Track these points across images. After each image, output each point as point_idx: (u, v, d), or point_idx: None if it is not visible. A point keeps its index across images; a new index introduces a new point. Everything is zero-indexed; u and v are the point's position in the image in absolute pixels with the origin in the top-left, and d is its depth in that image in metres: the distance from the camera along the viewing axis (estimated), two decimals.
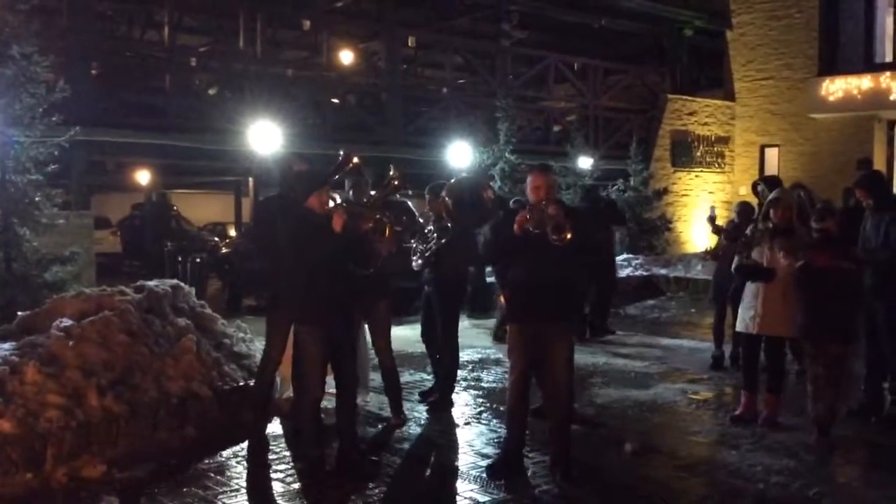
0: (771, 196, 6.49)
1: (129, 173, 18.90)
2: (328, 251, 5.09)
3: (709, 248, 9.31)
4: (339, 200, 6.16)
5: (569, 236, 4.84)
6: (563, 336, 5.16)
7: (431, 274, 6.78)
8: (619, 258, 14.79)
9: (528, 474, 5.26)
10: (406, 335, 8.91)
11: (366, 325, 6.59)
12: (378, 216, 5.30)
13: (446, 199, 6.52)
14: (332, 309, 5.18)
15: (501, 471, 5.20)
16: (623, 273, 13.88)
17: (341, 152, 6.13)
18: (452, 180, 7.04)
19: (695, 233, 18.64)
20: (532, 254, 5.01)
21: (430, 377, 7.62)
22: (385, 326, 6.45)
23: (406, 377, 7.69)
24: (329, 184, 5.35)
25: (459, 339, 6.98)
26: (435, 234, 6.67)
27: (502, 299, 6.29)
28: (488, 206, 6.67)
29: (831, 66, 17.80)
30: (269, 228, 5.88)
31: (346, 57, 18.65)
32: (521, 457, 5.34)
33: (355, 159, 5.89)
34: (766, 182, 8.21)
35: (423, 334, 7.12)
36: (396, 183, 5.78)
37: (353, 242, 5.21)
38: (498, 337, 9.78)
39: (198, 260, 13.95)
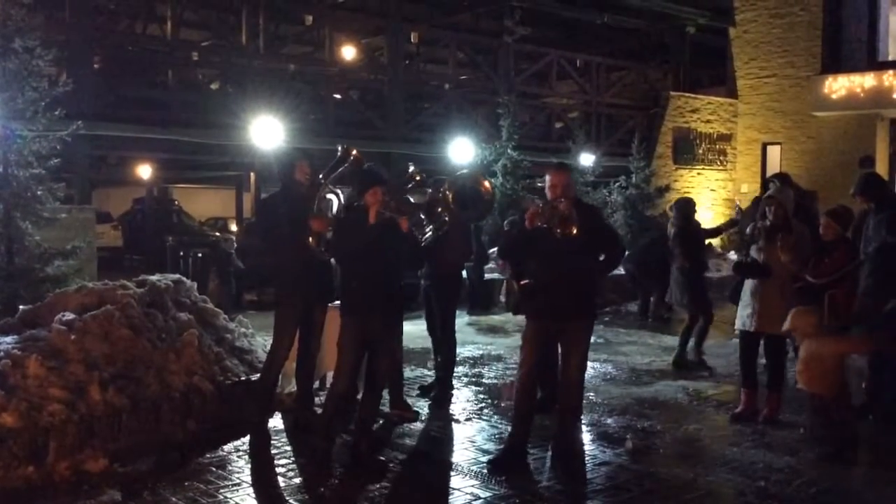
0: (766, 194, 6.50)
1: (130, 167, 18.94)
2: (363, 243, 5.05)
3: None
4: (340, 196, 6.18)
5: (574, 231, 4.86)
6: (583, 331, 5.22)
7: (429, 268, 6.79)
8: None
9: (530, 469, 5.27)
10: (406, 330, 8.87)
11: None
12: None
13: (447, 192, 6.53)
14: (369, 303, 5.14)
15: (504, 465, 5.20)
16: (622, 270, 13.86)
17: (340, 146, 6.16)
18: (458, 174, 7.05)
19: None
20: (547, 251, 5.04)
21: (430, 373, 7.63)
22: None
23: (406, 373, 7.69)
24: (384, 182, 5.33)
25: (460, 336, 6.98)
26: (432, 227, 6.67)
27: (515, 285, 6.28)
28: (487, 199, 6.67)
29: (834, 64, 17.79)
30: (274, 224, 5.90)
31: (349, 52, 18.66)
32: (525, 452, 5.35)
33: (354, 152, 5.90)
34: (777, 179, 8.11)
35: (428, 328, 7.14)
36: (419, 178, 5.83)
37: (400, 238, 5.20)
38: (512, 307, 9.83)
39: (199, 255, 13.96)
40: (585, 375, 6.77)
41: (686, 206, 8.63)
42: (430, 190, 6.95)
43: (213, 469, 5.27)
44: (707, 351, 8.77)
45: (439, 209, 6.26)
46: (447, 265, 6.81)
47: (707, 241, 8.75)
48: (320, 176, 6.01)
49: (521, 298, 5.65)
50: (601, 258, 5.36)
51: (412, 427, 6.26)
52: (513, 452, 5.29)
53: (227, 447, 5.68)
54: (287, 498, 4.86)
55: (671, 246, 8.57)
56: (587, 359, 5.43)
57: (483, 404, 6.90)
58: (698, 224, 9.03)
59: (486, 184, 6.77)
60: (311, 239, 5.75)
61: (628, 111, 19.80)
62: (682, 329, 8.49)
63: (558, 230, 4.89)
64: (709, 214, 18.89)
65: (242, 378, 6.39)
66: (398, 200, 5.40)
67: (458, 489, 4.95)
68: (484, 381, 7.78)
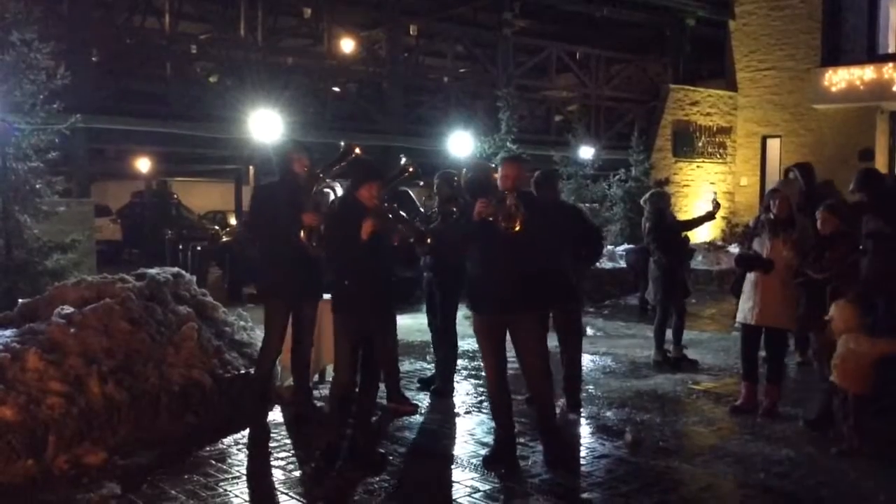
0: (771, 188, 6.49)
1: (129, 161, 18.90)
2: (358, 243, 5.00)
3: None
4: (336, 191, 6.15)
5: (517, 227, 4.80)
6: (526, 326, 5.12)
7: (433, 259, 6.78)
8: (619, 248, 14.79)
9: (529, 462, 5.27)
10: (406, 324, 8.90)
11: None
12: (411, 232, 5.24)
13: (461, 178, 6.53)
14: (363, 300, 5.11)
15: (495, 461, 5.18)
16: (622, 263, 13.87)
17: (342, 143, 6.13)
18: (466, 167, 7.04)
19: None
20: (492, 243, 4.97)
21: (429, 366, 7.63)
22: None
23: (406, 366, 7.71)
24: (383, 179, 5.30)
25: (459, 329, 6.98)
26: (439, 217, 6.64)
27: None
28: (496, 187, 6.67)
29: (834, 56, 17.74)
30: (268, 214, 5.88)
31: (348, 45, 18.57)
32: (514, 447, 5.31)
33: (357, 150, 5.88)
34: (798, 168, 7.98)
35: (429, 322, 7.11)
36: (411, 171, 5.80)
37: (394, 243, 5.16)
38: None
39: (198, 248, 13.95)
40: (583, 368, 6.84)
41: (659, 200, 8.52)
42: (436, 183, 6.93)
43: (213, 462, 5.27)
44: (707, 345, 8.79)
45: (454, 208, 6.23)
46: (451, 256, 6.80)
47: (684, 234, 8.63)
48: (318, 170, 5.96)
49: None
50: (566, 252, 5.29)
51: (412, 420, 6.26)
52: (502, 447, 5.25)
53: (227, 440, 5.68)
54: (286, 491, 4.85)
55: (646, 241, 8.47)
56: (545, 346, 5.39)
57: (482, 397, 6.89)
58: (673, 216, 8.93)
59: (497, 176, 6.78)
60: (302, 233, 5.71)
61: (628, 104, 19.76)
62: (654, 327, 8.37)
63: (502, 224, 4.84)
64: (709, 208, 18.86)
65: (242, 371, 6.39)
66: (392, 209, 5.32)
67: (458, 482, 4.96)
68: (483, 374, 7.76)
